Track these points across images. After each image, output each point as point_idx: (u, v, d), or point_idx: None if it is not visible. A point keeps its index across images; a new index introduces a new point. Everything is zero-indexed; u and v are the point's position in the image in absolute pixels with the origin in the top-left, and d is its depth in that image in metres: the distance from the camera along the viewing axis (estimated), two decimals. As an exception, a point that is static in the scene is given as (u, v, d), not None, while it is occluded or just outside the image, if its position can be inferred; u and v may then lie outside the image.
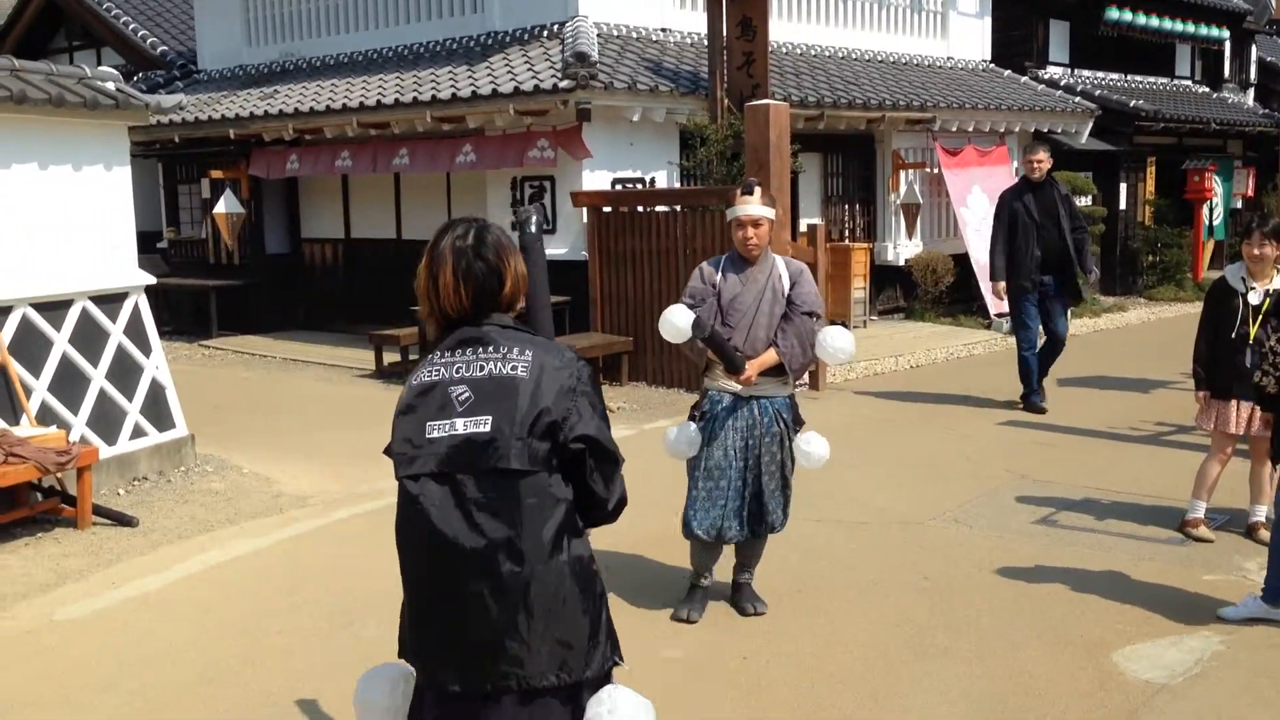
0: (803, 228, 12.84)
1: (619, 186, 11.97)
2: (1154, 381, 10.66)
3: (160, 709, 4.48)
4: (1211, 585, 5.54)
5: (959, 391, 10.51)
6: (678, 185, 12.33)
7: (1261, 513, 6.19)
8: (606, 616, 2.80)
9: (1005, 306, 14.72)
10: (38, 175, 7.36)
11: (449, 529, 2.61)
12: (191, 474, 7.93)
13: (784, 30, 14.70)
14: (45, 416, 7.22)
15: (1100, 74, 19.74)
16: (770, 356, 5.05)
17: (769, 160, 9.81)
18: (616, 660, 2.80)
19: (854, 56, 15.76)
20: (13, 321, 7.16)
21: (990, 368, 11.84)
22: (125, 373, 7.83)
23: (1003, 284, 9.59)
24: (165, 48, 18.31)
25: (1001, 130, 16.13)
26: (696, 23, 13.53)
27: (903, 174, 15.37)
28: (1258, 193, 20.34)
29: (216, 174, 14.92)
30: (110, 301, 7.78)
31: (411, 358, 11.71)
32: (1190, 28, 20.50)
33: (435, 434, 2.64)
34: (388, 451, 2.77)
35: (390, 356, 11.98)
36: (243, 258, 15.37)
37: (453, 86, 12.08)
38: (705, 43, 12.23)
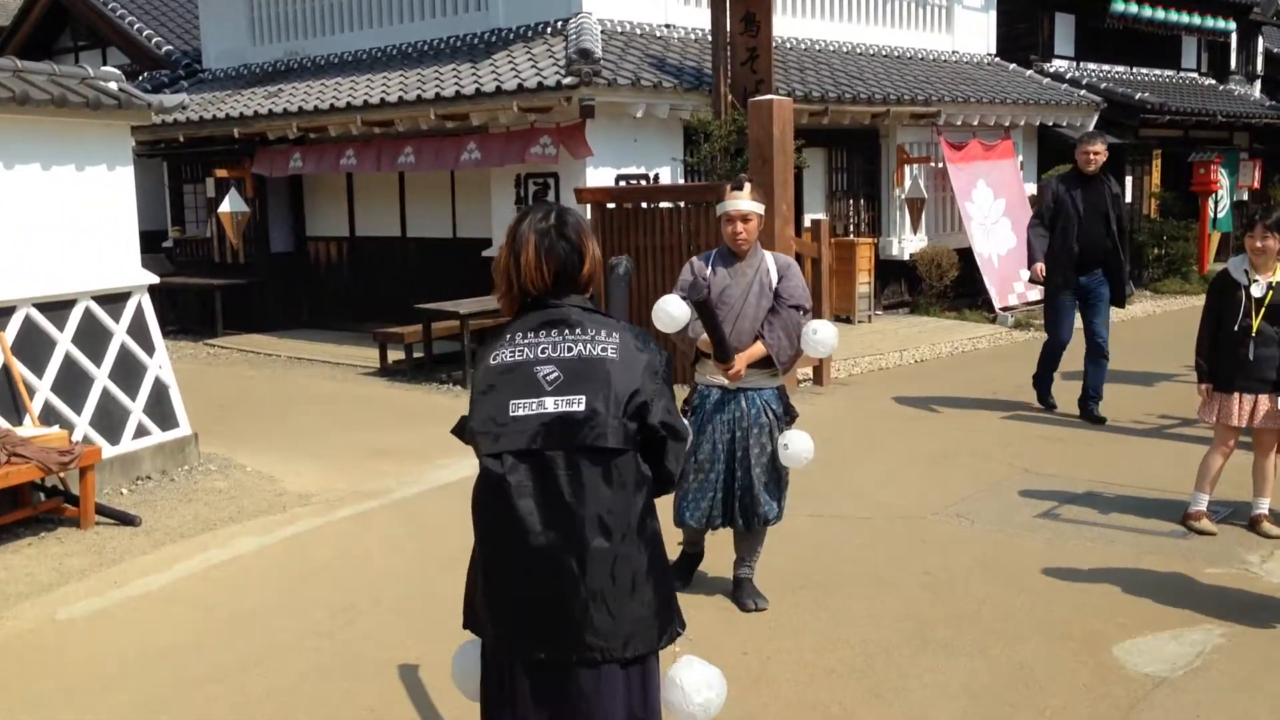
0: (807, 223, 12.83)
1: (623, 183, 11.97)
2: (1158, 374, 10.64)
3: (163, 708, 4.50)
4: (1213, 579, 5.53)
5: (963, 386, 10.49)
6: (681, 181, 12.32)
7: (1264, 505, 6.17)
8: (673, 588, 2.96)
9: (1012, 300, 14.83)
10: (40, 175, 7.38)
11: (539, 504, 2.70)
12: (195, 473, 7.95)
13: (788, 25, 14.69)
14: (48, 416, 7.24)
15: (1106, 67, 19.69)
16: (757, 349, 5.10)
17: (773, 156, 9.79)
18: (679, 630, 2.92)
19: (858, 51, 15.74)
20: (16, 321, 7.18)
21: (994, 362, 11.83)
22: (128, 372, 7.85)
23: (1040, 265, 8.91)
24: (170, 47, 18.35)
25: (1006, 124, 16.10)
26: (700, 18, 13.53)
27: (907, 168, 15.34)
28: (1264, 185, 20.29)
29: (221, 173, 14.93)
30: (113, 301, 7.80)
31: (416, 355, 11.73)
32: (1196, 19, 20.43)
33: (521, 412, 2.73)
34: (458, 432, 2.89)
35: (395, 354, 11.99)
36: (247, 256, 15.41)
37: (456, 84, 12.08)
38: (709, 38, 12.21)
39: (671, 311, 4.90)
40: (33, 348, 7.25)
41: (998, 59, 17.89)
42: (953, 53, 17.24)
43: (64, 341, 7.44)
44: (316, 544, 6.47)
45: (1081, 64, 19.32)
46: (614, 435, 2.72)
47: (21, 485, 6.57)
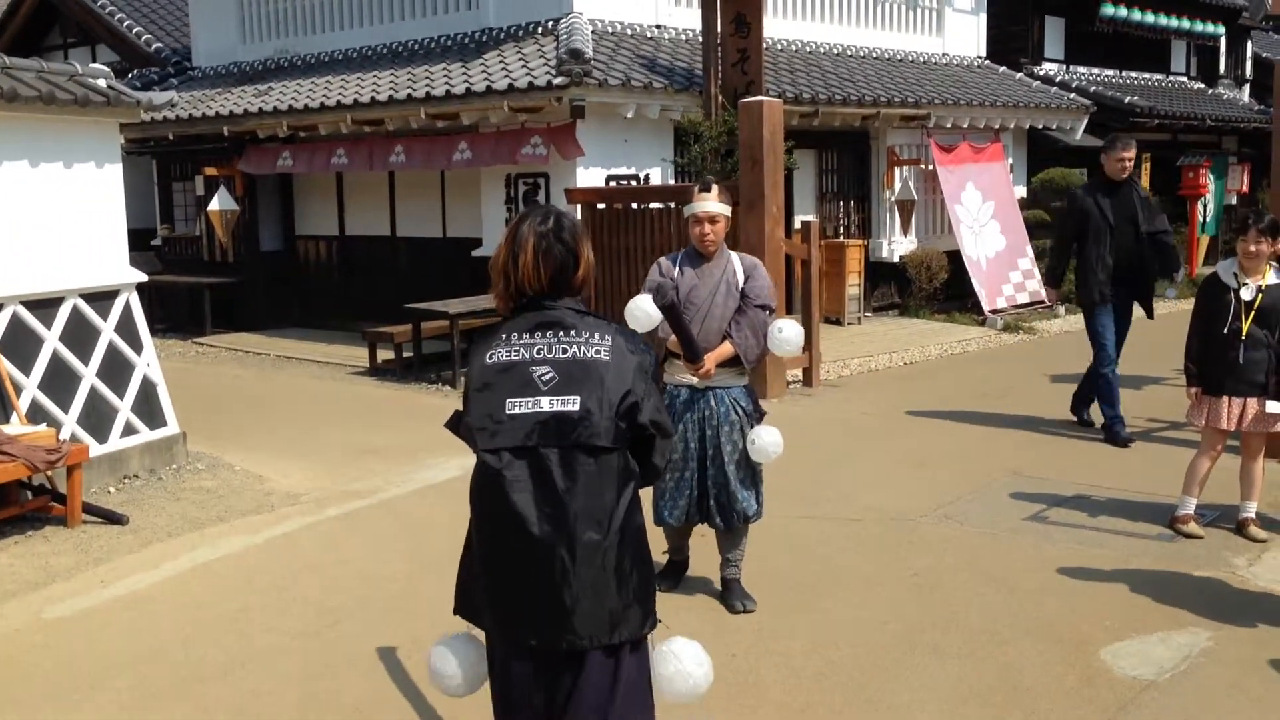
0: (797, 225, 12.84)
1: (613, 183, 11.97)
2: (1147, 378, 10.66)
3: (149, 707, 4.48)
4: (1201, 582, 5.54)
5: (952, 388, 10.50)
6: (672, 182, 12.33)
7: (1251, 509, 6.19)
8: (654, 580, 3.10)
9: (1001, 303, 14.85)
10: (28, 173, 7.34)
11: (534, 499, 2.83)
12: (183, 472, 7.93)
13: (778, 27, 14.71)
14: (36, 414, 7.21)
15: (1096, 70, 19.75)
16: (726, 349, 5.15)
17: (763, 157, 9.80)
18: (657, 620, 3.06)
19: (849, 53, 15.76)
20: (3, 319, 7.14)
21: (984, 364, 11.85)
22: (116, 370, 7.82)
23: (1054, 291, 8.99)
24: (160, 45, 18.30)
25: (996, 126, 16.12)
26: (691, 19, 13.53)
27: (897, 171, 15.36)
28: (1252, 189, 20.35)
29: (211, 171, 14.90)
30: (101, 299, 7.77)
31: (405, 355, 11.71)
32: (1186, 24, 20.52)
33: (517, 410, 2.85)
34: (453, 427, 3.03)
35: (384, 354, 11.96)
36: (237, 255, 15.37)
37: (447, 83, 12.07)
38: (700, 39, 12.21)
39: (647, 309, 4.91)
40: (20, 345, 7.22)
41: (988, 62, 17.93)
42: (943, 55, 17.27)
43: (51, 339, 7.40)
44: (304, 543, 6.45)
45: (1071, 67, 19.38)
46: (606, 434, 2.84)
47: (8, 483, 6.53)
